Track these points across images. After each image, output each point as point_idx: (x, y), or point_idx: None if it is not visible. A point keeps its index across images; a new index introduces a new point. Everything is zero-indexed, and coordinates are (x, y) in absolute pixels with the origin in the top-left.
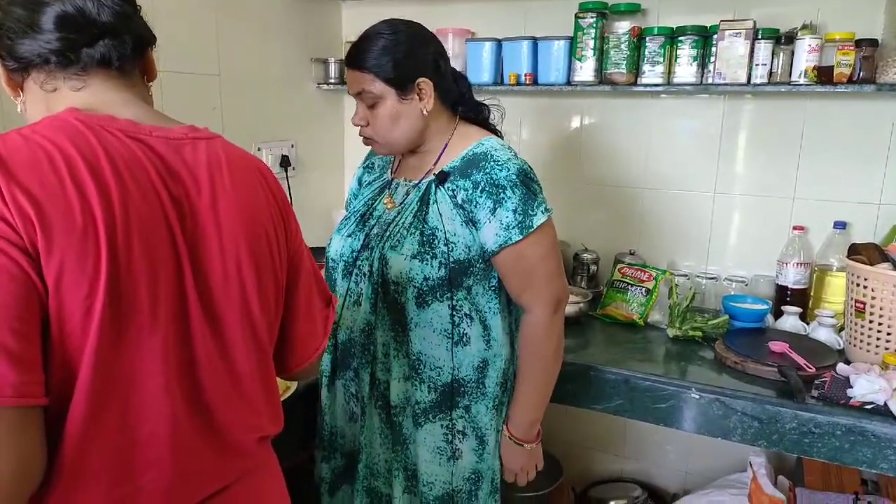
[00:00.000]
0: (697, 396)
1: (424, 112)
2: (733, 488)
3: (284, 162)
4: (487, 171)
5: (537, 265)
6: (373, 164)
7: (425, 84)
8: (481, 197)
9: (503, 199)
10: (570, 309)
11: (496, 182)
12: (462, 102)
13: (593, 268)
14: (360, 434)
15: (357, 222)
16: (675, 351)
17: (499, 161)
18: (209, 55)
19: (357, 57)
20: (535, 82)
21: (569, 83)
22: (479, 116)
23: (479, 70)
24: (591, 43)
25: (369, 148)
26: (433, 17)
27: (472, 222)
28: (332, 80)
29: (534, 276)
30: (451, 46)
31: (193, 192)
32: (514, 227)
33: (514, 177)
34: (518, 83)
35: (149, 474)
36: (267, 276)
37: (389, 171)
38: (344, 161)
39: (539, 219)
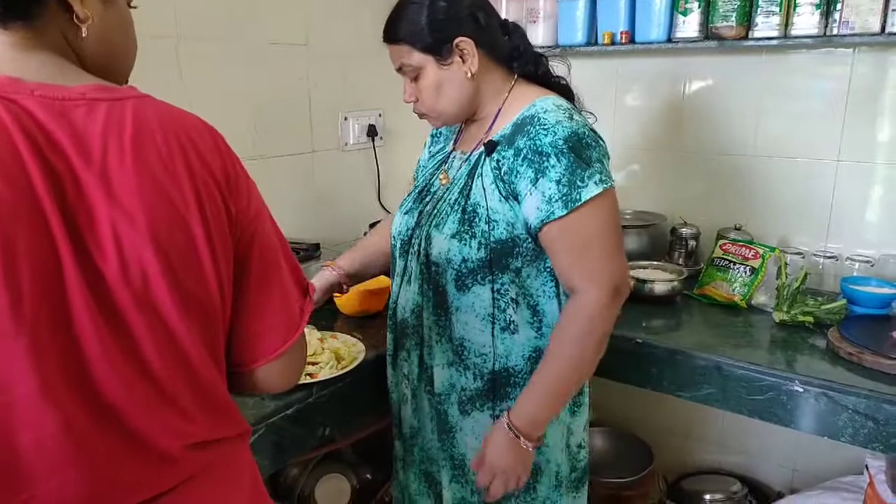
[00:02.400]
0: (801, 389)
1: (469, 75)
2: (847, 492)
3: (371, 131)
4: (531, 136)
5: (589, 245)
6: (439, 133)
7: (465, 43)
8: (522, 166)
9: (546, 168)
10: (661, 287)
11: (539, 148)
12: (517, 57)
13: (692, 244)
14: (413, 417)
15: (415, 198)
16: (780, 337)
17: (545, 124)
18: (295, 23)
19: (389, 29)
20: (631, 41)
21: (670, 40)
22: (539, 71)
23: (573, 30)
24: None
25: None
26: None
27: (513, 196)
28: None
29: (585, 256)
30: (543, 6)
31: (79, 164)
32: (557, 201)
33: (560, 142)
34: (613, 42)
35: (47, 483)
36: (186, 267)
37: (452, 142)
38: (430, 129)
39: (590, 191)
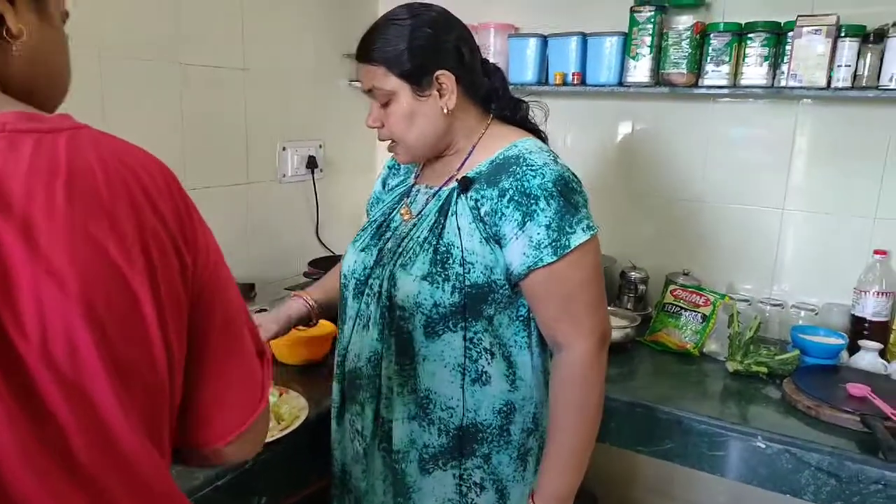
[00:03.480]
0: (763, 446)
1: (445, 110)
2: None
3: (311, 163)
4: (518, 177)
5: (576, 293)
6: (398, 165)
7: (445, 77)
8: (508, 208)
9: (534, 211)
10: (615, 334)
11: (527, 191)
12: (495, 99)
13: (642, 288)
14: (362, 479)
15: (373, 234)
16: (735, 388)
17: (533, 165)
18: (235, 47)
19: (366, 48)
20: (583, 82)
21: (621, 84)
22: (516, 115)
23: (523, 68)
24: (648, 40)
25: None
26: (474, 10)
27: (495, 239)
28: None
29: (571, 305)
30: (493, 42)
31: None
32: (546, 247)
33: (549, 185)
34: (564, 83)
35: None
36: (126, 338)
37: (413, 175)
38: (375, 163)
39: (579, 237)
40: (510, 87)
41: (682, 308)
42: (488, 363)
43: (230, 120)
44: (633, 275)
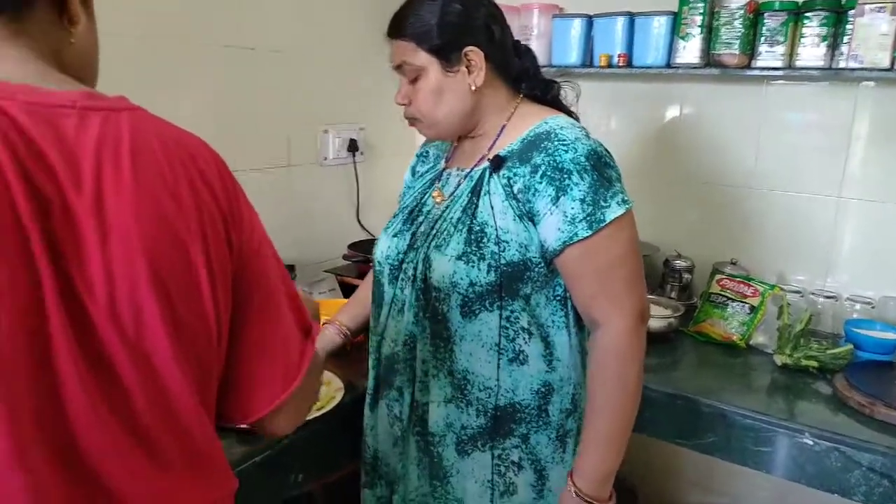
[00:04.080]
0: (811, 443)
1: (473, 87)
2: None
3: (352, 146)
4: (550, 152)
5: (612, 268)
6: (427, 152)
7: (474, 53)
8: (541, 183)
9: (568, 185)
10: (656, 323)
11: (560, 165)
12: (526, 79)
13: (687, 277)
14: (398, 464)
15: (405, 219)
16: (783, 382)
17: (564, 140)
18: (276, 29)
19: (397, 24)
20: (629, 64)
21: (669, 65)
22: (546, 95)
23: (567, 50)
24: (699, 19)
25: None
26: None
27: (528, 216)
28: None
29: (608, 281)
30: (537, 24)
31: (69, 187)
32: (580, 221)
33: (582, 159)
34: (610, 65)
35: None
36: (186, 304)
37: (443, 159)
38: (416, 146)
39: (614, 211)
40: (553, 70)
41: (728, 298)
42: (525, 343)
43: (272, 102)
44: (678, 263)
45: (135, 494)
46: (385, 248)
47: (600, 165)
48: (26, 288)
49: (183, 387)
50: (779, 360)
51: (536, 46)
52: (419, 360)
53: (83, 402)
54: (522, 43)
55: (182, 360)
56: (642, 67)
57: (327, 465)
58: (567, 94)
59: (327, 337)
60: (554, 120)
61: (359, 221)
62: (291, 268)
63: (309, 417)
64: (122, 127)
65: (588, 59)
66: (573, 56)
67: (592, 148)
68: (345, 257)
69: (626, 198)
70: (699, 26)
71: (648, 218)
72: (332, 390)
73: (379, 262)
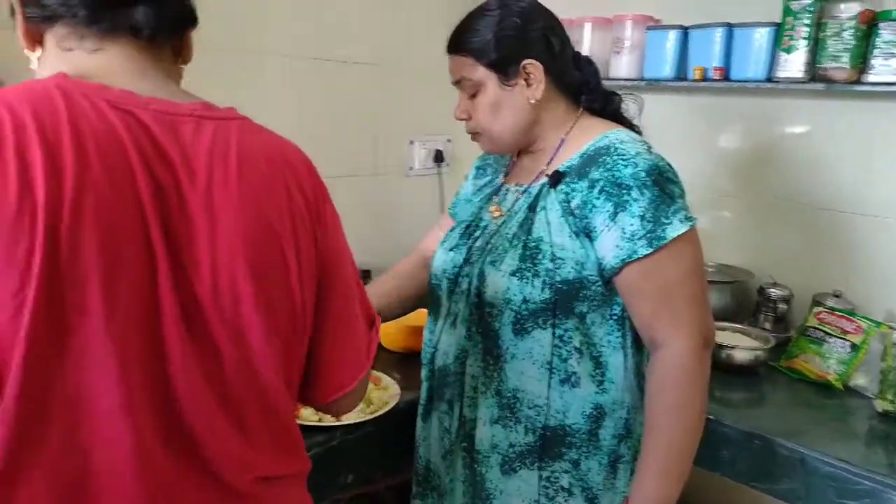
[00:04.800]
0: None
1: (532, 100)
2: None
3: (438, 157)
4: (609, 167)
5: (674, 287)
6: (486, 165)
7: (532, 67)
8: (599, 199)
9: (627, 201)
10: (742, 355)
11: (619, 181)
12: (586, 91)
13: (782, 307)
14: (446, 478)
15: (462, 233)
16: (882, 431)
17: (625, 155)
18: (367, 42)
19: (456, 39)
20: (725, 77)
21: (769, 80)
22: (606, 108)
23: (660, 62)
24: (804, 31)
25: None
26: (610, 2)
27: (585, 232)
28: None
29: (669, 300)
30: (630, 35)
31: (185, 181)
32: (640, 238)
33: (642, 174)
34: (705, 78)
35: None
36: (277, 292)
37: (502, 174)
38: None
39: (676, 229)
40: (643, 83)
41: (827, 334)
42: (577, 363)
43: (362, 113)
44: (773, 292)
45: (221, 460)
46: (442, 262)
47: (662, 181)
48: (144, 262)
49: (270, 365)
50: (879, 405)
51: (628, 59)
52: (469, 376)
53: (184, 371)
54: (584, 56)
55: (271, 341)
56: (740, 81)
57: (380, 469)
58: (629, 107)
59: None
60: (614, 134)
61: None
62: (367, 273)
63: (362, 419)
64: (232, 134)
65: (682, 72)
66: (666, 69)
67: (654, 163)
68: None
69: (689, 214)
70: (804, 38)
71: (743, 241)
72: (387, 395)
73: (436, 276)
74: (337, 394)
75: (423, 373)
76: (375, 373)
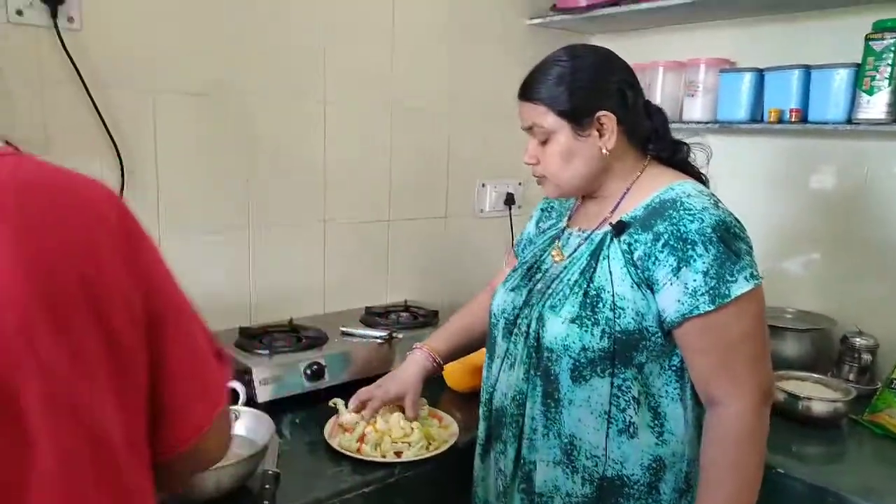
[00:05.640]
0: None
1: (604, 150)
2: None
3: (509, 199)
4: (675, 221)
5: (735, 345)
6: (551, 207)
7: (606, 118)
8: (662, 252)
9: (691, 257)
10: (820, 407)
11: (684, 235)
12: (655, 140)
13: (867, 358)
14: None
15: (523, 275)
16: None
17: (690, 210)
18: (440, 88)
19: (528, 87)
20: (803, 119)
21: (850, 121)
22: (674, 157)
23: (735, 105)
24: (887, 71)
25: None
26: (684, 46)
27: (647, 284)
28: None
29: (730, 358)
30: (703, 78)
31: None
32: (703, 294)
33: (708, 230)
34: (780, 121)
35: None
36: (89, 340)
37: (566, 217)
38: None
39: (740, 287)
40: (716, 125)
41: None
42: (636, 413)
43: (434, 157)
44: (858, 341)
45: None
46: (502, 302)
47: (728, 237)
48: None
49: (99, 424)
50: None
51: (701, 102)
52: (528, 417)
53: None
54: (653, 104)
55: (90, 400)
56: (818, 123)
57: None
58: (696, 156)
59: (419, 361)
60: (680, 186)
61: None
62: (435, 313)
63: (422, 456)
64: (4, 171)
65: (758, 115)
66: (742, 112)
67: (721, 218)
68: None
69: (754, 272)
70: (888, 78)
71: (826, 288)
72: (447, 434)
73: (495, 314)
74: (193, 437)
75: (481, 412)
76: (437, 411)
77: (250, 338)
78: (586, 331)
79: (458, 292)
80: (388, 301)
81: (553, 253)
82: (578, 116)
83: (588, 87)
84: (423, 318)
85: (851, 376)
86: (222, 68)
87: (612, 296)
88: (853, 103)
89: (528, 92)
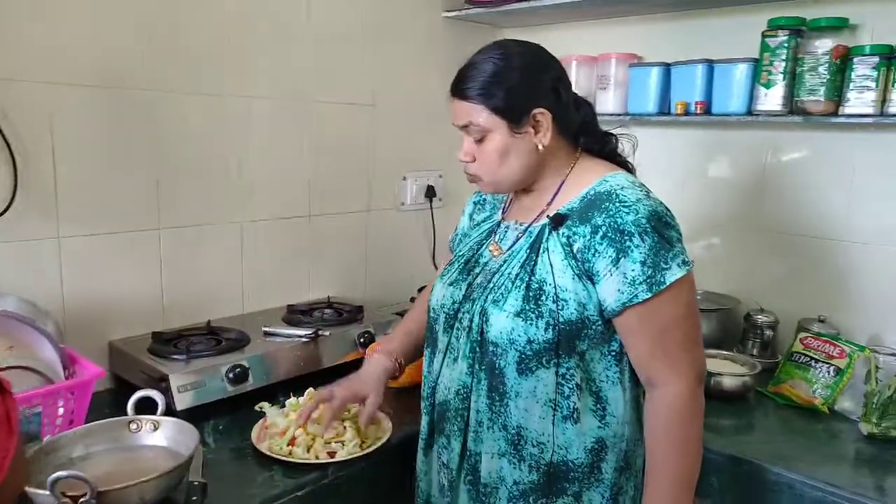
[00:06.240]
0: None
1: (540, 147)
2: None
3: (429, 192)
4: (611, 213)
5: (671, 329)
6: (484, 200)
7: (542, 115)
8: (602, 244)
9: (629, 247)
10: (729, 382)
11: (621, 227)
12: (585, 132)
13: (769, 333)
14: None
15: (461, 269)
16: (868, 454)
17: (626, 202)
18: (362, 84)
19: (462, 85)
20: (707, 112)
21: (750, 113)
22: (604, 148)
23: (644, 98)
24: (781, 66)
25: None
26: (595, 41)
27: (587, 275)
28: None
29: (666, 342)
30: (614, 73)
31: None
32: (641, 283)
33: (643, 221)
34: (687, 113)
35: None
36: None
37: (500, 210)
38: None
39: (674, 273)
40: (628, 118)
41: (812, 359)
42: (579, 399)
43: (356, 152)
44: (760, 318)
45: None
46: (441, 297)
47: (661, 226)
48: None
49: None
50: (865, 428)
51: (613, 95)
52: (473, 411)
53: None
54: (581, 97)
55: None
56: (721, 115)
57: None
58: (624, 146)
59: (381, 361)
60: (614, 178)
61: (434, 265)
62: (360, 308)
63: (355, 455)
64: None
65: (666, 107)
66: (650, 105)
67: (653, 209)
68: (412, 300)
69: (686, 259)
70: (782, 73)
71: (730, 270)
72: (379, 431)
73: (434, 309)
74: None
75: (423, 406)
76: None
77: (165, 343)
78: (531, 324)
79: (381, 286)
80: (310, 298)
81: (491, 247)
82: (515, 115)
83: (523, 85)
84: (348, 314)
85: (755, 351)
86: (126, 62)
87: (555, 288)
88: (752, 96)
89: (462, 90)
